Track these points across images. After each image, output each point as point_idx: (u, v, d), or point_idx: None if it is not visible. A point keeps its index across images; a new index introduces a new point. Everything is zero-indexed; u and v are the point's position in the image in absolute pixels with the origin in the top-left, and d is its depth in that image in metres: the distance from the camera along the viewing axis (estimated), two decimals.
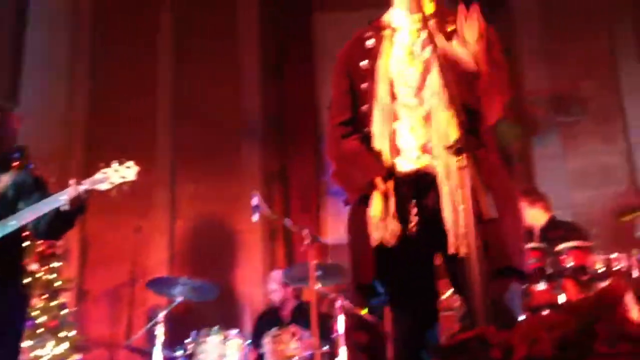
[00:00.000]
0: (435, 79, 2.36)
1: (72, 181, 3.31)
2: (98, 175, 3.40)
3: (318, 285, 4.79)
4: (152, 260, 6.62)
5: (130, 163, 3.47)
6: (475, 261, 1.88)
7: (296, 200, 7.00)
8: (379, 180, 2.41)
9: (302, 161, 6.98)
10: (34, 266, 5.40)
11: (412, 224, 2.38)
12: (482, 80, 2.35)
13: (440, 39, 2.36)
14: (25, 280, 4.06)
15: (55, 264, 5.65)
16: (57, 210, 3.27)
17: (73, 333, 5.57)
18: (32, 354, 5.21)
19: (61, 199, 3.26)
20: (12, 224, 3.30)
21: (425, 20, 2.28)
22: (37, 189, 3.49)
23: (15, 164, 3.88)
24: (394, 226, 2.37)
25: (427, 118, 2.43)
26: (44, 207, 3.30)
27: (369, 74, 2.52)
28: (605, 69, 6.93)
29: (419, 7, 2.33)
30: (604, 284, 4.33)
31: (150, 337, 5.19)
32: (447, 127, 2.18)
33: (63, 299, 5.67)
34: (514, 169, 6.74)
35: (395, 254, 2.38)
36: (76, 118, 7.14)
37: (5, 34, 7.22)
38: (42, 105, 6.86)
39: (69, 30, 7.31)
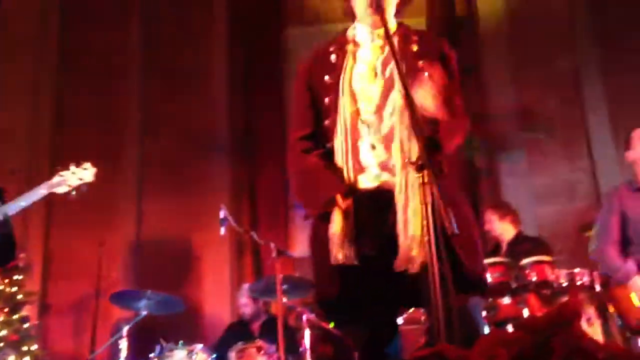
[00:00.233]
0: (396, 97, 2.37)
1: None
2: (55, 179, 3.36)
3: (285, 299, 4.78)
4: (117, 274, 6.54)
5: (88, 165, 3.44)
6: (436, 276, 1.89)
7: (264, 213, 6.99)
8: (339, 198, 2.39)
9: (270, 175, 6.96)
10: None
11: (369, 242, 2.37)
12: (441, 126, 2.33)
13: (400, 82, 2.29)
14: None
15: (17, 277, 5.56)
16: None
17: (35, 347, 5.49)
18: None
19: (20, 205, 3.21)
20: None
21: (388, 37, 2.29)
22: None
23: None
24: (353, 245, 2.35)
25: (388, 136, 2.43)
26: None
27: (332, 89, 2.50)
28: (569, 88, 7.05)
29: (382, 23, 2.34)
30: (566, 298, 4.40)
31: (114, 351, 5.13)
32: (408, 145, 2.20)
33: (25, 312, 5.59)
34: (480, 184, 6.83)
35: (356, 271, 2.36)
36: (41, 131, 7.05)
37: None
38: (8, 118, 6.78)
39: (35, 44, 7.23)
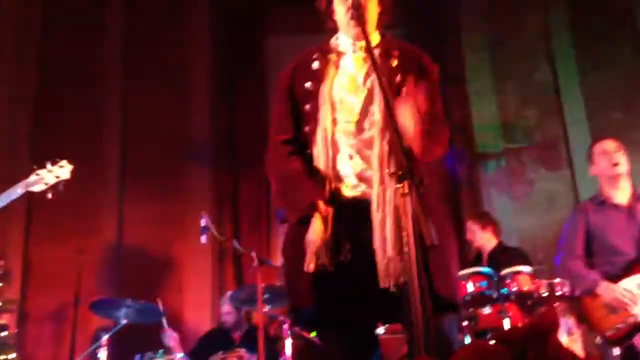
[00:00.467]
0: (376, 110, 2.37)
1: None
2: (32, 178, 3.32)
3: (266, 308, 4.77)
4: (96, 282, 6.48)
5: (64, 162, 3.39)
6: (415, 290, 1.88)
7: (246, 222, 6.96)
8: (320, 204, 2.37)
9: (252, 184, 6.95)
10: None
11: (347, 251, 2.36)
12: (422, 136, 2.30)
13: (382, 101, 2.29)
14: None
15: None
16: None
17: (13, 356, 5.41)
18: None
19: None
20: None
21: (369, 50, 2.29)
22: None
23: None
24: (330, 252, 2.34)
25: (366, 146, 2.43)
26: None
27: (313, 96, 2.49)
28: (549, 99, 7.13)
29: (363, 35, 2.35)
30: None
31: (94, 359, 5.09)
32: (387, 158, 2.20)
33: (3, 320, 5.52)
34: (462, 194, 6.87)
35: (332, 279, 2.35)
36: (21, 139, 6.98)
37: None
38: None
39: (14, 49, 7.16)
